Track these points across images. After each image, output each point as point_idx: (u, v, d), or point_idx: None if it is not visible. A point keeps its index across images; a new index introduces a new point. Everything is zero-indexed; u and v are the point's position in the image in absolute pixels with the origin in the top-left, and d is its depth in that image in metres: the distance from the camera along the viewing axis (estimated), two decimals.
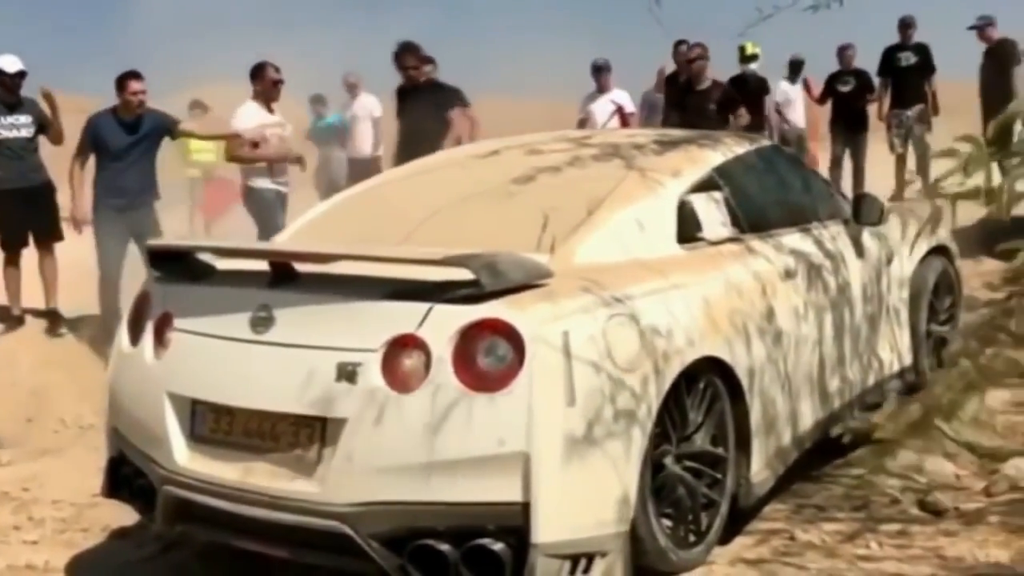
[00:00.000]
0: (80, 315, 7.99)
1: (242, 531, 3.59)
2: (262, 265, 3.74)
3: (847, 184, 11.02)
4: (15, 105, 7.88)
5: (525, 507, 3.25)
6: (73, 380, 7.09)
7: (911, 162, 11.82)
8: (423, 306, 3.37)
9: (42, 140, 8.01)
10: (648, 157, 4.47)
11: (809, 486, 4.58)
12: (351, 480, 3.34)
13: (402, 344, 3.36)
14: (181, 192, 12.97)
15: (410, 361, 3.35)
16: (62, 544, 4.61)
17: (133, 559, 4.33)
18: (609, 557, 3.43)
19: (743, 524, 4.13)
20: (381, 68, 9.37)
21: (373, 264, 3.55)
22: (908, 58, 11.65)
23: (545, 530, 3.26)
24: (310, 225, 4.57)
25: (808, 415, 4.44)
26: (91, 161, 7.84)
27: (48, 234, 7.96)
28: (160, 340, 3.86)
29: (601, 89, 10.34)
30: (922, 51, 11.66)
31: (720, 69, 10.82)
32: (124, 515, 4.47)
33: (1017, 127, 4.07)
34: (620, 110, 10.28)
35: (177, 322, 3.81)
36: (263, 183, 8.09)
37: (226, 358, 3.63)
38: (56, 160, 8.18)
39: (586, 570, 3.39)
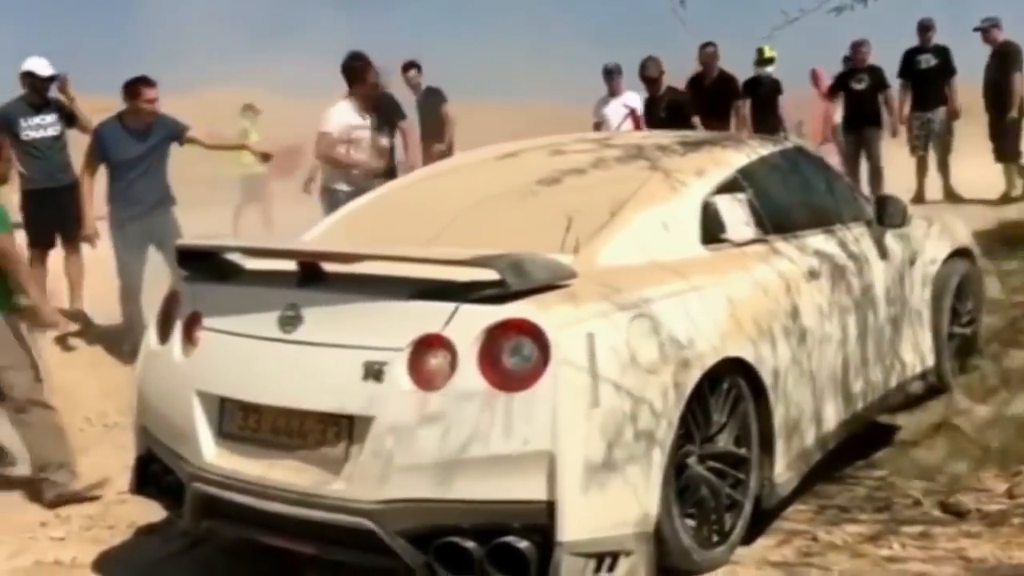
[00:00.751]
0: (104, 314, 8.04)
1: (269, 527, 3.62)
2: (290, 265, 3.78)
3: (861, 186, 10.98)
4: (42, 106, 7.95)
5: (550, 506, 3.28)
6: (98, 379, 7.13)
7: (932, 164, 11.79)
8: (449, 306, 3.40)
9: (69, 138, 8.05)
10: (672, 158, 4.49)
11: (832, 487, 4.59)
12: (377, 477, 3.37)
13: (428, 343, 3.39)
14: (232, 190, 12.80)
15: (436, 360, 3.38)
16: (89, 541, 4.65)
17: (159, 555, 4.37)
18: (633, 556, 3.45)
19: (766, 525, 4.15)
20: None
21: (399, 264, 3.58)
22: (928, 60, 11.63)
23: (570, 529, 3.29)
24: (337, 225, 4.61)
25: (831, 416, 4.45)
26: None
27: (75, 234, 8.02)
28: (189, 339, 3.90)
29: (613, 92, 10.32)
30: (942, 53, 11.63)
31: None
32: (150, 512, 4.51)
33: None
34: (633, 113, 10.23)
35: (206, 321, 3.86)
36: (342, 186, 7.80)
37: (254, 356, 3.67)
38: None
39: (610, 569, 3.42)
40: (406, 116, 8.91)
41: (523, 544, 3.28)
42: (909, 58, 11.75)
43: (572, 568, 3.30)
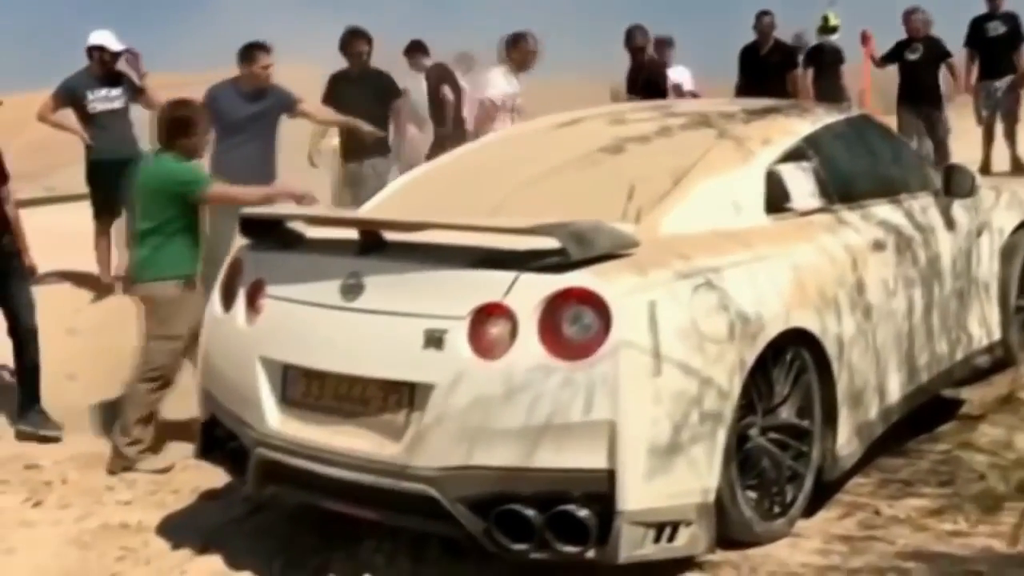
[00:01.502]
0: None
1: (331, 493, 3.66)
2: (352, 233, 3.79)
3: None
4: (108, 78, 8.04)
5: (610, 475, 3.27)
6: None
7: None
8: (510, 275, 3.40)
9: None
10: (736, 126, 4.44)
11: (895, 460, 4.53)
12: (438, 445, 3.38)
13: (488, 312, 3.39)
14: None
15: (496, 329, 3.38)
16: (154, 505, 4.73)
17: (222, 520, 4.43)
18: (693, 527, 3.44)
19: (828, 497, 4.11)
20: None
21: (460, 233, 3.58)
22: (996, 28, 11.34)
23: (630, 498, 3.28)
24: (399, 194, 4.62)
25: (895, 389, 4.39)
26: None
27: None
28: (252, 306, 3.93)
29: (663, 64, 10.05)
30: (1011, 20, 11.34)
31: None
32: (214, 477, 4.58)
33: None
34: (678, 88, 9.96)
35: (269, 289, 3.89)
36: None
37: (317, 324, 3.69)
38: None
39: (670, 539, 3.41)
40: (400, 94, 8.60)
41: (583, 512, 3.29)
42: (977, 25, 11.48)
43: (632, 537, 3.30)
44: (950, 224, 4.95)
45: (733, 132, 4.35)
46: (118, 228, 8.11)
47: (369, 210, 4.57)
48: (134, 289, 5.63)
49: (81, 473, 5.16)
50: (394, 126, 8.65)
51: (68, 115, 8.13)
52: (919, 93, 10.86)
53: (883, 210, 4.57)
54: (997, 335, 5.29)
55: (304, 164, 8.73)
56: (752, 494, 3.72)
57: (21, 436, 5.83)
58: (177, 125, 5.34)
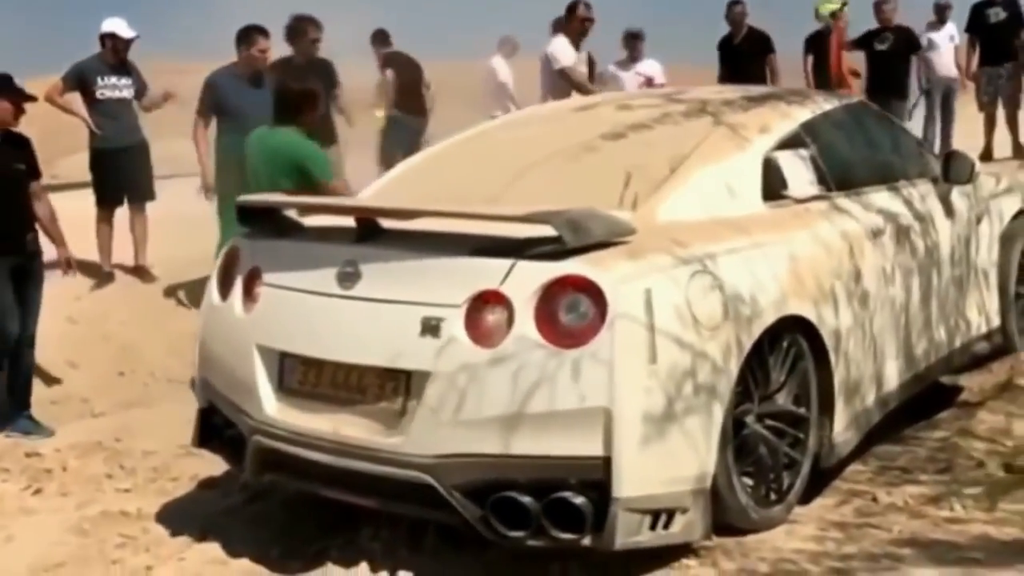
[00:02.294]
0: (168, 271, 8.16)
1: (329, 481, 3.67)
2: (348, 221, 3.79)
3: None
4: (119, 67, 8.04)
5: (606, 462, 3.28)
6: (162, 335, 7.26)
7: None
8: (506, 262, 3.40)
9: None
10: (734, 113, 4.42)
11: (893, 448, 4.53)
12: (435, 432, 3.39)
13: (485, 300, 3.39)
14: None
15: (493, 316, 3.38)
16: (153, 492, 4.75)
17: (221, 507, 4.44)
18: (689, 513, 3.45)
19: (825, 485, 4.12)
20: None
21: (457, 220, 3.58)
22: (998, 14, 11.29)
23: (626, 485, 3.29)
24: (396, 182, 4.62)
25: (893, 376, 4.39)
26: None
27: (142, 193, 8.13)
28: (249, 294, 3.94)
29: (634, 58, 10.03)
30: (1012, 6, 11.29)
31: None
32: (212, 466, 4.59)
33: None
34: (650, 82, 9.82)
35: (265, 276, 3.89)
36: None
37: (313, 312, 3.70)
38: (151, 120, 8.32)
39: (666, 525, 3.42)
40: (339, 83, 8.38)
41: (579, 500, 3.30)
42: (978, 11, 11.43)
43: (628, 524, 3.31)
44: (949, 211, 4.94)
45: (730, 119, 4.34)
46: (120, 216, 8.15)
47: (366, 197, 4.57)
48: None
49: (81, 461, 5.18)
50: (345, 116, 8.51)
51: (75, 99, 8.16)
52: (887, 83, 10.63)
53: (881, 197, 4.57)
54: (996, 322, 5.29)
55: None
56: (748, 481, 3.72)
57: None
58: (302, 99, 5.37)
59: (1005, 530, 3.73)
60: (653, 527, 3.38)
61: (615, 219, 3.52)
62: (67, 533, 4.34)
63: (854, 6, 10.95)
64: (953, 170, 4.99)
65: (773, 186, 4.12)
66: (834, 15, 10.84)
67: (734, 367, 3.52)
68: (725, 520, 3.61)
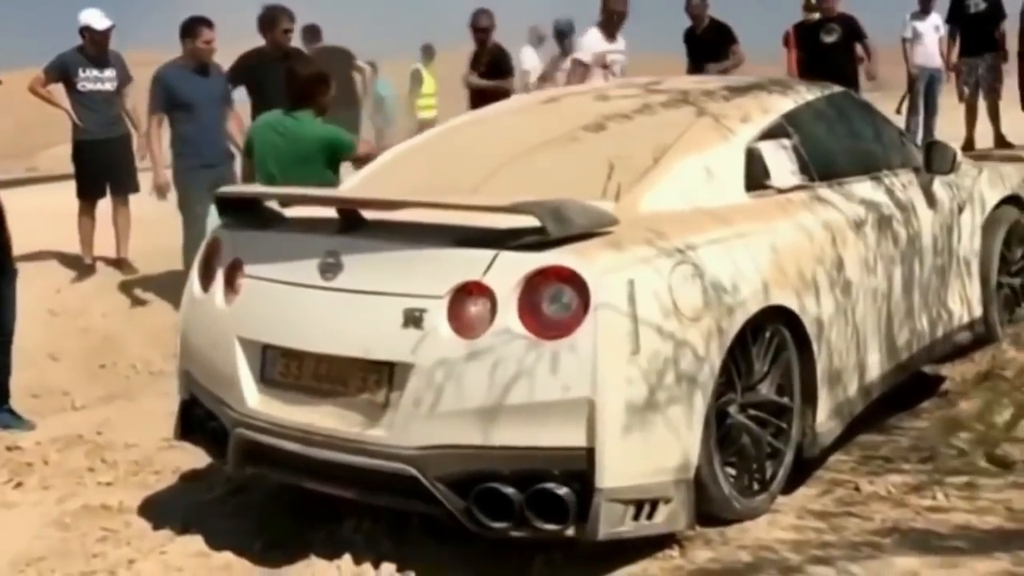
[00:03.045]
0: (149, 263, 8.12)
1: (311, 473, 3.66)
2: (330, 212, 3.77)
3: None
4: (100, 59, 7.99)
5: (590, 452, 3.28)
6: (143, 327, 7.23)
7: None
8: (489, 253, 3.39)
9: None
10: (716, 103, 4.42)
11: (876, 437, 4.55)
12: (418, 424, 3.38)
13: (468, 291, 3.38)
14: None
15: (476, 308, 3.37)
16: (135, 486, 4.72)
17: (203, 500, 4.42)
18: (672, 504, 3.45)
19: (808, 474, 4.12)
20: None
21: (439, 211, 3.57)
22: (977, 4, 11.32)
23: (609, 475, 3.28)
24: (378, 173, 4.60)
25: (875, 366, 4.40)
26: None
27: (125, 186, 8.09)
28: (231, 286, 3.91)
29: (565, 52, 9.90)
30: None
31: None
32: (194, 459, 4.57)
33: None
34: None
35: (247, 268, 3.87)
36: None
37: (295, 303, 3.68)
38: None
39: (649, 516, 3.42)
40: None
41: (562, 490, 3.29)
42: (958, 2, 11.47)
43: (611, 514, 3.31)
44: (931, 201, 4.95)
45: (713, 110, 4.33)
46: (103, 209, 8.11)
47: (348, 189, 4.55)
48: None
49: (62, 454, 5.14)
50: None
51: (58, 91, 8.12)
52: (834, 77, 10.34)
53: (864, 187, 4.58)
54: (978, 312, 5.31)
55: None
56: (732, 471, 3.73)
57: None
58: (316, 83, 5.41)
59: (987, 519, 3.75)
60: (636, 517, 3.39)
61: (598, 210, 3.52)
62: (48, 527, 4.31)
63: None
64: (935, 160, 5.00)
65: (756, 176, 4.12)
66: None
67: (717, 357, 3.52)
68: (708, 510, 3.62)
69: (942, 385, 5.09)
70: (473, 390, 3.32)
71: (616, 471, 3.30)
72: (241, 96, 7.65)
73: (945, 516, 3.79)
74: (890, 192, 4.70)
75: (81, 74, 7.92)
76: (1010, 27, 11.40)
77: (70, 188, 8.17)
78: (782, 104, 4.53)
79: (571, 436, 3.28)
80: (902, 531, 3.67)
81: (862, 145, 4.94)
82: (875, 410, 4.54)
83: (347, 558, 3.64)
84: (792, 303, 3.85)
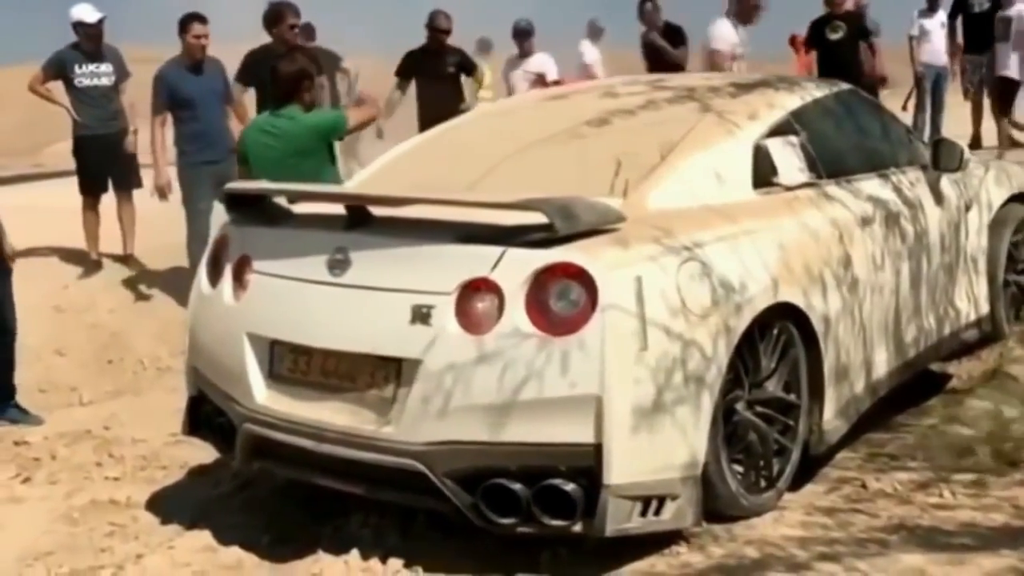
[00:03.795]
0: (154, 260, 8.13)
1: (319, 468, 3.66)
2: (338, 208, 3.78)
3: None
4: (96, 54, 7.99)
5: (597, 449, 3.28)
6: (151, 323, 7.24)
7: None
8: (496, 250, 3.39)
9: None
10: (723, 100, 4.42)
11: (882, 435, 4.54)
12: (426, 420, 3.39)
13: (475, 287, 3.38)
14: None
15: (483, 304, 3.38)
16: (143, 481, 4.73)
17: (211, 496, 4.43)
18: (680, 500, 3.45)
19: (814, 471, 4.13)
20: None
21: (447, 208, 3.58)
22: (982, 3, 11.29)
23: (616, 472, 3.29)
24: (386, 169, 4.60)
25: (883, 363, 4.40)
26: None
27: (127, 181, 8.09)
28: (239, 282, 3.92)
29: (524, 54, 9.87)
30: None
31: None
32: (202, 454, 4.58)
33: None
34: (541, 79, 9.63)
35: (255, 264, 3.88)
36: None
37: (303, 299, 3.69)
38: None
39: (657, 512, 3.42)
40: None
41: (570, 486, 3.30)
42: (963, 0, 11.46)
43: (618, 511, 3.31)
44: (938, 198, 4.95)
45: (721, 106, 4.34)
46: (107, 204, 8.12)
47: (356, 185, 4.55)
48: None
49: (70, 449, 5.16)
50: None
51: (57, 87, 8.11)
52: (843, 75, 10.16)
53: (871, 184, 4.57)
54: (985, 309, 5.30)
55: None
56: (739, 468, 3.73)
57: None
58: (299, 78, 5.41)
59: (993, 516, 3.75)
60: (644, 514, 3.39)
61: (605, 206, 3.52)
62: (56, 521, 4.33)
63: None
64: (942, 158, 5.00)
65: (763, 173, 4.12)
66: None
67: (724, 354, 3.52)
68: (715, 507, 3.62)
69: (949, 383, 5.09)
70: (481, 386, 3.33)
71: (623, 467, 3.30)
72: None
73: (951, 513, 3.79)
74: (897, 189, 4.69)
75: (78, 70, 7.92)
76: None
77: (75, 184, 8.18)
78: (789, 101, 4.53)
79: (578, 432, 3.28)
80: (908, 528, 3.68)
81: (869, 142, 4.94)
82: (882, 407, 4.54)
83: (354, 553, 3.65)
84: (799, 300, 3.85)
